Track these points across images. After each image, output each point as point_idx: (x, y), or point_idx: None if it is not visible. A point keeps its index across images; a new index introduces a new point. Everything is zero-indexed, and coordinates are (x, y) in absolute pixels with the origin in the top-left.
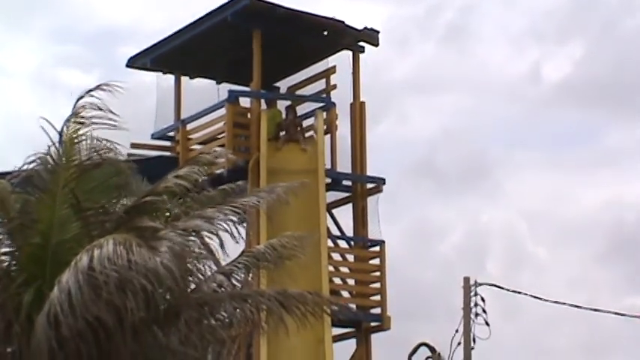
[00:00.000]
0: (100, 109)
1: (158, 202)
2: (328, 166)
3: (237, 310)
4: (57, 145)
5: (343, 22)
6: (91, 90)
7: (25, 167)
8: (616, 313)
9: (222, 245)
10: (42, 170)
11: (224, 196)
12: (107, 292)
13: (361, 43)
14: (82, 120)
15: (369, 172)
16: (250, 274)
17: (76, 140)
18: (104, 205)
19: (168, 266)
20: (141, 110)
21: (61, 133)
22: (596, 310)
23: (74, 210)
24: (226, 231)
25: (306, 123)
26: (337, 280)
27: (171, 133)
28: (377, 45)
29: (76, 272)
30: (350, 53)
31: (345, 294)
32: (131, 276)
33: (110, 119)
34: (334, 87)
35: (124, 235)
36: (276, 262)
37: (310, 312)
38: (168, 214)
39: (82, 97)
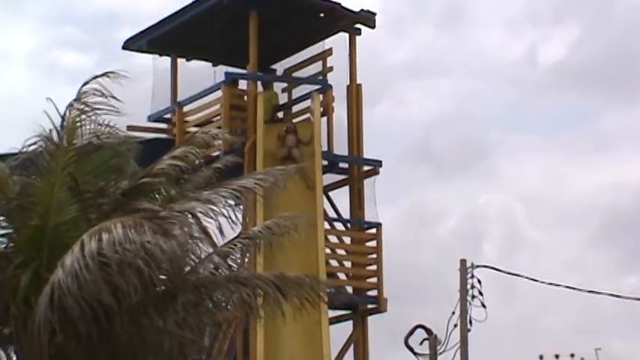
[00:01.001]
0: (104, 96)
1: (155, 183)
2: (325, 148)
3: (234, 294)
4: (58, 128)
5: (340, 4)
6: (97, 76)
7: (24, 149)
8: (612, 295)
9: (220, 228)
10: (42, 153)
11: (218, 176)
12: (110, 274)
13: (358, 26)
14: (85, 105)
15: (366, 155)
16: (247, 257)
17: (78, 125)
18: (102, 187)
19: (167, 249)
20: (137, 92)
21: (63, 117)
22: (591, 291)
23: (72, 193)
24: (223, 214)
25: (302, 105)
26: (334, 263)
27: (168, 116)
28: (373, 27)
29: (82, 255)
30: (346, 35)
31: (342, 276)
32: (132, 259)
33: (112, 106)
34: (331, 69)
35: (132, 218)
36: (273, 242)
37: (307, 297)
38: (163, 194)
39: (87, 83)
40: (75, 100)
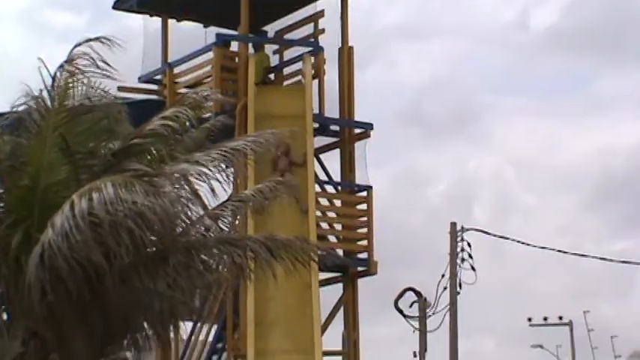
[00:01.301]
0: (95, 60)
1: (145, 144)
2: (316, 110)
3: (225, 255)
4: (49, 89)
5: None
6: (89, 40)
7: (14, 109)
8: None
9: (212, 190)
10: (33, 113)
11: (210, 138)
12: (101, 235)
13: None
14: (76, 68)
15: (357, 118)
16: (237, 220)
17: (69, 86)
18: (92, 148)
19: (158, 210)
20: (128, 53)
21: (54, 78)
22: (581, 255)
23: (63, 153)
24: (214, 176)
25: (293, 67)
26: (324, 225)
27: (159, 77)
28: None
29: (72, 215)
30: None
31: (332, 239)
32: (125, 219)
33: (103, 69)
34: (322, 31)
35: (122, 177)
36: (263, 205)
37: (298, 258)
38: (154, 155)
39: (79, 45)
40: (66, 61)
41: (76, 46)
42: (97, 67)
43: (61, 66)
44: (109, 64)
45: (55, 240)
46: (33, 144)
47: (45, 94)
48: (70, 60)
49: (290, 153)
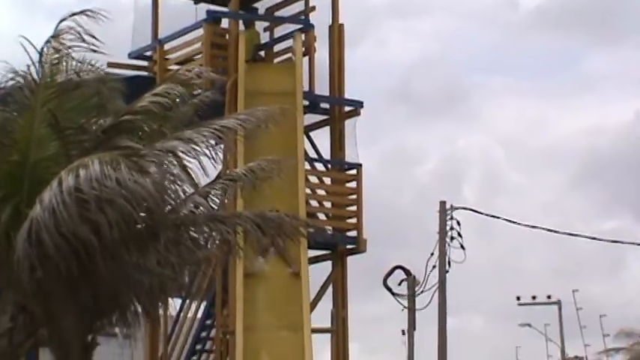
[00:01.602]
0: (81, 34)
1: (136, 121)
2: (306, 88)
3: (214, 233)
4: (37, 64)
5: None
6: (74, 14)
7: (2, 85)
8: (590, 237)
9: (202, 167)
10: (21, 89)
11: (200, 115)
12: (89, 211)
13: None
14: (63, 42)
15: (347, 96)
16: (227, 199)
17: (56, 61)
18: (83, 124)
19: (149, 187)
20: (118, 30)
21: (41, 53)
22: (570, 234)
23: (53, 129)
24: (204, 153)
25: (284, 45)
26: (314, 203)
27: (149, 53)
28: None
29: (60, 191)
30: None
31: (322, 217)
32: (113, 196)
33: (91, 44)
34: (313, 9)
35: (110, 155)
36: (254, 184)
37: (287, 235)
38: (145, 131)
39: (64, 20)
40: (52, 37)
41: (62, 21)
42: (84, 41)
43: (48, 41)
44: (96, 38)
45: (42, 216)
46: (22, 119)
47: (32, 69)
48: (56, 35)
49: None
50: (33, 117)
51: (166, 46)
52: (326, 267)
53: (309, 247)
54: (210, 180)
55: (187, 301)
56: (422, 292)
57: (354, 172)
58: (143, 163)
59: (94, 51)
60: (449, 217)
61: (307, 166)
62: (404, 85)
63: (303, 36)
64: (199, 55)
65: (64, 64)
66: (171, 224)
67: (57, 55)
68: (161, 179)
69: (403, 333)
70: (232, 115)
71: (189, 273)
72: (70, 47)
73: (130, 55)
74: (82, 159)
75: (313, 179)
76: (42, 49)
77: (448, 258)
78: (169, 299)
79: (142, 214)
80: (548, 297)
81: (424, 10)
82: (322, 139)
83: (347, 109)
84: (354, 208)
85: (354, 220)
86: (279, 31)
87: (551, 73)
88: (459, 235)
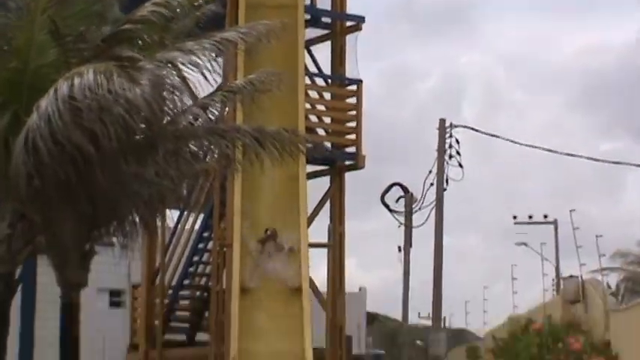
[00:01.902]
0: None
1: (136, 30)
2: (308, 2)
3: (213, 146)
4: None
5: None
6: None
7: None
8: (589, 158)
9: (205, 77)
10: None
11: (200, 28)
12: (86, 119)
13: None
14: None
15: (349, 11)
16: (226, 110)
17: None
18: (83, 32)
19: (146, 97)
20: None
21: None
22: (569, 154)
23: (53, 36)
24: (204, 65)
25: None
26: (313, 118)
27: None
28: None
29: (55, 99)
30: None
31: (321, 132)
32: (109, 105)
33: None
34: None
35: (105, 64)
36: (253, 97)
37: (286, 149)
38: (146, 41)
39: None
40: None
41: None
42: None
43: None
44: None
45: (38, 124)
46: (21, 25)
47: None
48: None
49: (276, 236)
50: (33, 23)
51: None
52: (324, 182)
53: (308, 162)
54: (209, 92)
55: (185, 212)
56: (419, 209)
57: (354, 87)
58: (135, 73)
59: None
60: (448, 134)
61: (307, 81)
62: (405, 2)
63: None
64: None
65: None
66: (171, 136)
67: None
68: (154, 89)
69: (399, 249)
70: (233, 27)
71: (188, 185)
72: None
73: None
74: (79, 67)
75: (313, 94)
76: None
77: (446, 176)
78: (167, 210)
79: (142, 125)
80: (545, 216)
81: None
82: (323, 53)
83: (348, 24)
84: (353, 124)
85: (353, 137)
86: None
87: None
88: (458, 153)
